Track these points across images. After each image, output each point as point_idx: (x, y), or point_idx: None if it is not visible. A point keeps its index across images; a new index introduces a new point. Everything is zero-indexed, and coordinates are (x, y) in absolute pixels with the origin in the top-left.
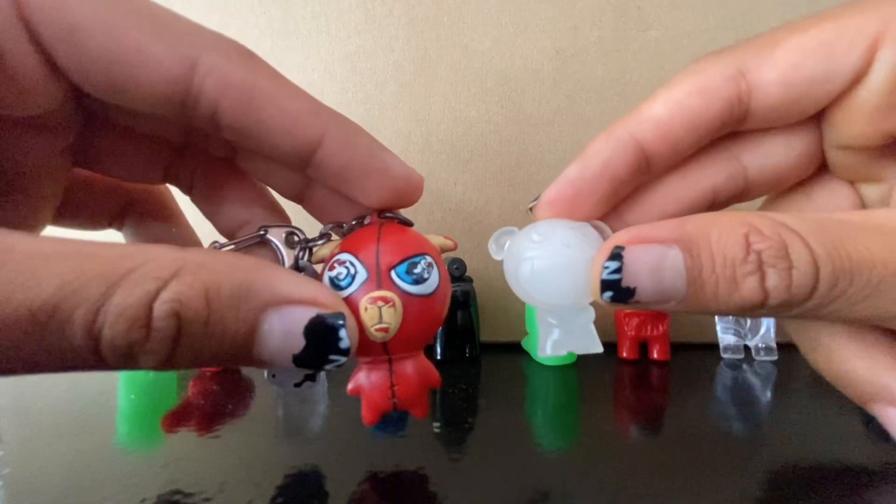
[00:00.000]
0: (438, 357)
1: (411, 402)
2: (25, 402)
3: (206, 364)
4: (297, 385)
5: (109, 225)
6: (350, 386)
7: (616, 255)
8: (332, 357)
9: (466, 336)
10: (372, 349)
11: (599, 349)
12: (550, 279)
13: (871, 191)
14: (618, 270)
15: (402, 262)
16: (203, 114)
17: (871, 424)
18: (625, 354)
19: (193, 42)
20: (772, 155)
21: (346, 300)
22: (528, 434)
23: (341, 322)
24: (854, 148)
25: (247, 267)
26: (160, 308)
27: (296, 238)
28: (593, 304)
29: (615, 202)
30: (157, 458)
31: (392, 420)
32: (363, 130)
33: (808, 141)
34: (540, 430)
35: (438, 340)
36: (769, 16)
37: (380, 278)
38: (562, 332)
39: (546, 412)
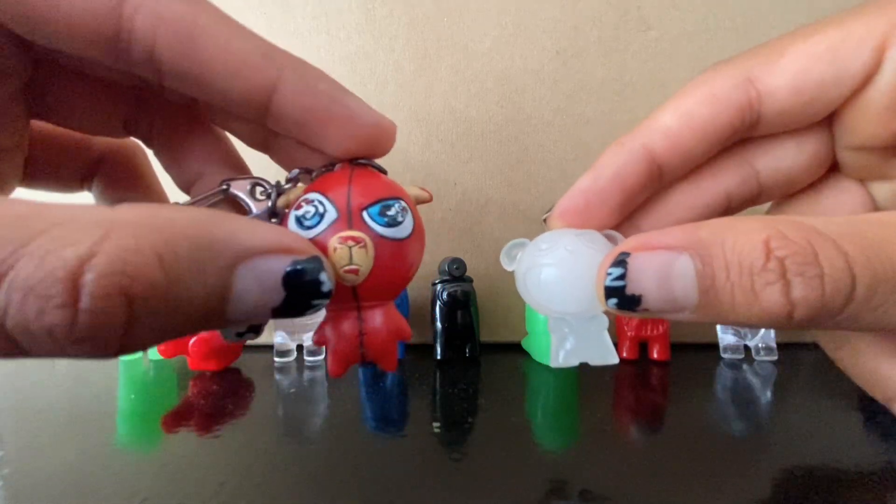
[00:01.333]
0: (438, 357)
1: (380, 354)
2: (25, 402)
3: (170, 339)
4: (240, 335)
5: (81, 186)
6: (315, 337)
7: (620, 261)
8: (315, 302)
9: (466, 336)
10: (341, 295)
11: (615, 360)
12: (558, 286)
13: (881, 189)
14: (621, 277)
15: (375, 202)
16: (140, 56)
17: (871, 424)
18: (625, 354)
19: None
20: (783, 158)
21: (314, 241)
22: (528, 434)
23: (319, 265)
24: (866, 148)
25: (203, 220)
26: (97, 284)
27: (261, 188)
28: (607, 313)
29: (627, 212)
30: (157, 458)
31: (392, 419)
32: (324, 75)
33: (819, 142)
34: (540, 430)
35: (438, 340)
36: (769, 16)
37: (351, 218)
38: (575, 342)
39: (546, 412)
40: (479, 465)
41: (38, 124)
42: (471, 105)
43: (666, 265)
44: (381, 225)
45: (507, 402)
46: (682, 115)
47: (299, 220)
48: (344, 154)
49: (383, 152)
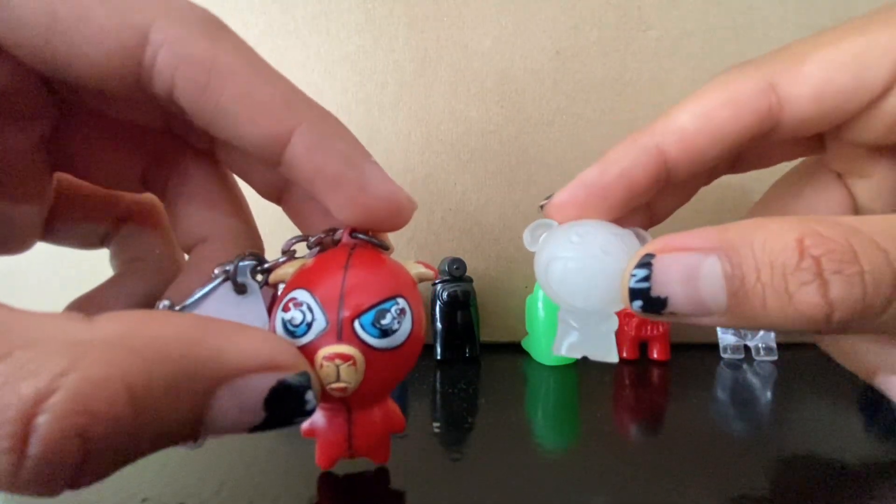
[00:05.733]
0: (438, 357)
1: (370, 451)
2: None
3: (128, 464)
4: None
5: (101, 244)
6: (305, 426)
7: (645, 262)
8: (297, 420)
9: (466, 336)
10: (329, 399)
11: (615, 359)
12: (581, 282)
13: (860, 186)
14: (646, 279)
15: (368, 309)
16: (161, 94)
17: (871, 424)
18: (625, 354)
19: (145, 7)
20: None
21: (301, 349)
22: (528, 434)
23: (306, 382)
24: (857, 142)
25: (188, 336)
26: (51, 428)
27: (251, 265)
28: (620, 313)
29: (629, 209)
30: (157, 458)
31: None
32: (344, 132)
33: None
34: (540, 430)
35: (438, 340)
36: (769, 16)
37: (341, 329)
38: (580, 336)
39: (546, 412)
40: (479, 465)
41: (64, 179)
42: (471, 105)
43: (692, 267)
44: (373, 336)
45: (507, 402)
46: (699, 117)
47: (286, 325)
48: (350, 222)
49: (394, 228)
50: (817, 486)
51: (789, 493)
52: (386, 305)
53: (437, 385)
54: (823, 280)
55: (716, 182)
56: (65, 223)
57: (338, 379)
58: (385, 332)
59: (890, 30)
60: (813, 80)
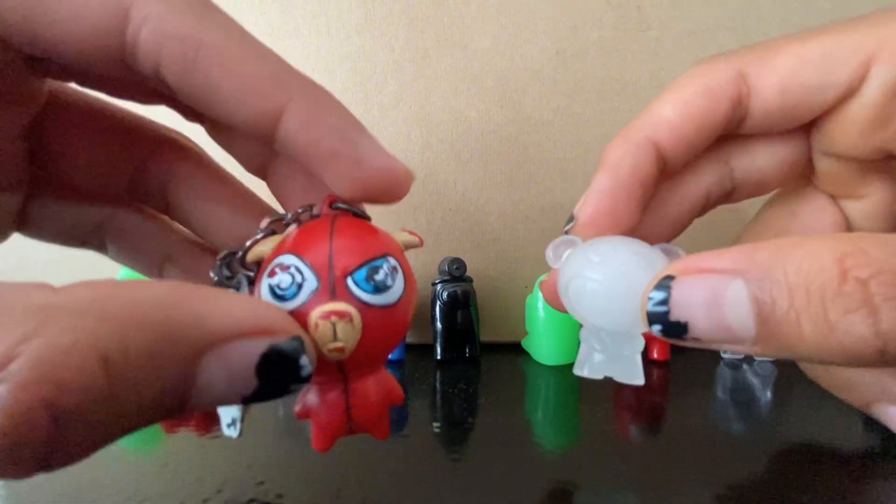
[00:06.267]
0: (438, 357)
1: (369, 425)
2: None
3: (108, 444)
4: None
5: (83, 243)
6: (297, 407)
7: (663, 285)
8: (292, 388)
9: (466, 336)
10: (324, 368)
11: (641, 381)
12: (600, 302)
13: (853, 208)
14: (663, 302)
15: (360, 266)
16: (148, 71)
17: (871, 424)
18: None
19: None
20: (758, 158)
21: (293, 314)
22: (528, 434)
23: (300, 347)
24: (842, 157)
25: (167, 300)
26: (12, 397)
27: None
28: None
29: (644, 208)
30: (157, 458)
31: (392, 419)
32: (337, 106)
33: (795, 147)
34: (540, 430)
35: (438, 340)
36: (769, 16)
37: (333, 287)
38: (604, 356)
39: (546, 412)
40: (479, 465)
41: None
42: (471, 105)
43: (716, 291)
44: (368, 292)
45: (507, 402)
46: (681, 108)
47: (273, 290)
48: (347, 197)
49: (392, 200)
50: (817, 486)
51: (789, 493)
52: (377, 262)
53: (437, 385)
54: (873, 307)
55: None
56: (42, 214)
57: (335, 339)
58: (379, 288)
59: (859, 33)
60: (780, 72)
